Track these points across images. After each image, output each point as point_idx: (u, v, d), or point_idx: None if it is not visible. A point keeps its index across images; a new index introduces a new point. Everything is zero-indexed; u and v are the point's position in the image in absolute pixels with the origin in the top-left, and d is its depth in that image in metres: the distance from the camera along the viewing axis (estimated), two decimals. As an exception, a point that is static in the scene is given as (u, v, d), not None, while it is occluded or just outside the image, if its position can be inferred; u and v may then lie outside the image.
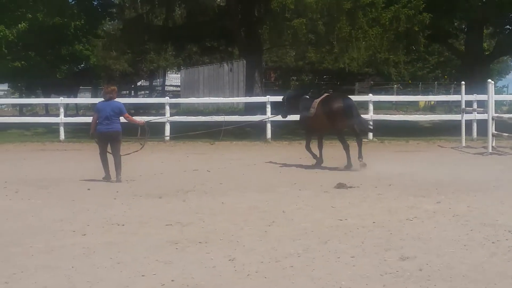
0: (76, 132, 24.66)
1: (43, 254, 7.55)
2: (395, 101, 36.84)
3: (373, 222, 9.24)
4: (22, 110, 39.62)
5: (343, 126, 15.54)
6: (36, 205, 10.87)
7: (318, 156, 16.04)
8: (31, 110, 41.95)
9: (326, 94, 16.03)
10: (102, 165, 13.72)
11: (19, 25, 26.76)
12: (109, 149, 13.75)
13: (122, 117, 13.82)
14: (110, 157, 13.69)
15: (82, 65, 39.73)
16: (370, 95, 26.19)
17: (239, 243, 8.05)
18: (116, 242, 8.09)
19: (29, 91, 38.71)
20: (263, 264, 7.10)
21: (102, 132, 13.60)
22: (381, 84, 52.16)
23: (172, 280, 6.52)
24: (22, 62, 29.18)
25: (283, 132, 24.17)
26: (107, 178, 13.65)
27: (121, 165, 13.61)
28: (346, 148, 15.38)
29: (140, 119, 15.36)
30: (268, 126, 23.05)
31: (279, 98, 24.50)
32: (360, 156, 15.36)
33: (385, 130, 23.46)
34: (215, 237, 8.33)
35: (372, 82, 53.36)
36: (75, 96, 37.08)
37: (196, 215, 9.83)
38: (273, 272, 6.81)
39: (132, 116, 14.81)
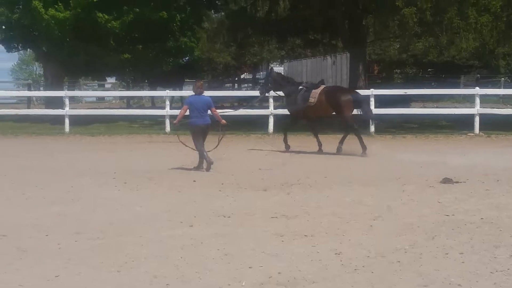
0: (182, 125, 25.07)
1: (152, 243, 7.74)
2: (503, 94, 35.74)
3: (481, 218, 9.01)
4: (129, 102, 40.76)
5: (350, 115, 17.18)
6: (144, 195, 11.15)
7: (288, 145, 17.71)
8: (138, 102, 43.11)
9: (323, 86, 17.52)
10: (201, 155, 14.10)
11: (124, 17, 27.47)
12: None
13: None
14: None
15: (187, 58, 40.37)
16: (477, 88, 25.47)
17: (345, 237, 8.01)
18: (222, 233, 8.19)
19: (136, 84, 39.75)
20: (370, 259, 7.04)
21: (199, 124, 14.11)
22: (488, 77, 50.63)
23: (279, 273, 6.56)
24: (129, 55, 29.91)
25: (386, 125, 23.84)
26: (208, 166, 14.00)
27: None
28: (358, 133, 16.94)
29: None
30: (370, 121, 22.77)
31: (383, 92, 24.18)
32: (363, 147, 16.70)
33: (492, 124, 22.79)
34: (320, 230, 8.32)
35: (478, 75, 51.88)
36: (180, 89, 37.81)
37: (301, 208, 9.84)
38: (380, 267, 6.74)
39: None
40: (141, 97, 42.45)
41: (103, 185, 12.22)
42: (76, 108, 31.35)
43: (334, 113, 17.25)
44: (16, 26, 27.88)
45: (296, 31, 33.09)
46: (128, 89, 43.13)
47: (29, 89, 42.73)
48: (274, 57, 57.41)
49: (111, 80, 49.37)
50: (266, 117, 23.54)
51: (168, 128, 24.15)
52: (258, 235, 8.11)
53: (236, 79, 60.43)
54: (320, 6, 27.32)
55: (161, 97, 34.45)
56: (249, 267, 6.76)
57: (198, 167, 14.14)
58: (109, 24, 27.12)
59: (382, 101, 24.71)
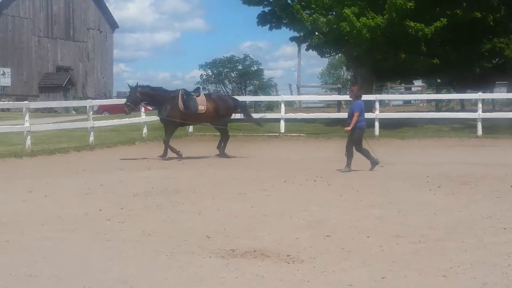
0: (494, 128, 24.27)
1: (476, 249, 7.52)
2: None
3: None
4: (437, 105, 40.20)
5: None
6: (461, 200, 10.90)
7: (177, 150, 17.98)
8: (446, 105, 42.37)
9: (204, 93, 19.32)
10: (365, 156, 15.05)
11: (437, 22, 27.13)
12: None
13: None
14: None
15: (497, 59, 38.74)
16: None
17: None
18: None
19: (444, 87, 39.02)
20: None
21: (364, 128, 15.28)
22: None
23: None
24: (439, 59, 29.51)
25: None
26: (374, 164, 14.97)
27: None
28: (227, 139, 18.63)
29: None
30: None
31: None
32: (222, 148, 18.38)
33: None
34: None
35: None
36: (491, 91, 36.41)
37: None
38: None
39: None
40: (449, 100, 41.73)
41: (417, 189, 12.18)
42: (384, 112, 31.72)
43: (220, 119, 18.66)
44: (330, 32, 28.86)
45: None
46: (437, 92, 42.53)
47: (339, 93, 44.12)
48: None
49: (418, 83, 49.15)
50: None
51: (480, 132, 23.43)
52: None
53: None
54: None
55: (470, 100, 33.60)
56: None
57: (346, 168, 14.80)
58: (420, 33, 27.00)
59: None
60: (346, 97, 33.49)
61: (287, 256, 7.34)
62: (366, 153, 15.08)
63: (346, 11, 26.86)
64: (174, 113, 18.35)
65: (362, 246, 7.81)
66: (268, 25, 32.57)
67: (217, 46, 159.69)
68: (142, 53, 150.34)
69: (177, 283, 6.38)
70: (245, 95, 67.65)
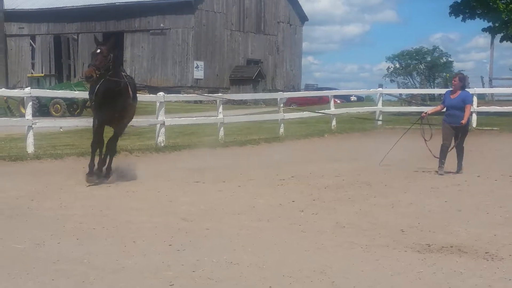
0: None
1: None
2: None
3: None
4: None
5: None
6: None
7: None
8: None
9: None
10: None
11: None
12: None
13: None
14: None
15: None
16: None
17: None
18: None
19: None
20: None
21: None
22: None
23: None
24: None
25: None
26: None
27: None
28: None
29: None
30: None
31: None
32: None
33: None
34: None
35: None
36: None
37: None
38: None
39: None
40: None
41: None
42: None
43: None
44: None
45: None
46: None
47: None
48: None
49: None
50: None
51: None
52: None
53: None
54: None
55: None
56: None
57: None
58: None
59: None
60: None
61: (486, 253, 7.15)
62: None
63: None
64: None
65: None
66: (461, 16, 31.68)
67: (407, 38, 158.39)
68: (331, 45, 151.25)
69: (374, 276, 6.41)
70: (433, 88, 66.20)
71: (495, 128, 24.43)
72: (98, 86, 11.94)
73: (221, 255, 7.13)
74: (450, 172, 13.38)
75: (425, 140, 13.65)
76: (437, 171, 13.36)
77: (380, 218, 9.09)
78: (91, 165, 12.27)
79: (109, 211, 9.64)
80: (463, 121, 13.44)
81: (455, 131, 13.57)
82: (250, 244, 7.68)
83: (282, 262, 6.91)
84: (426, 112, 14.24)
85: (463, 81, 13.84)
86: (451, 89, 14.30)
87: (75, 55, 64.57)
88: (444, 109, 13.88)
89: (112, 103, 12.07)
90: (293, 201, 10.41)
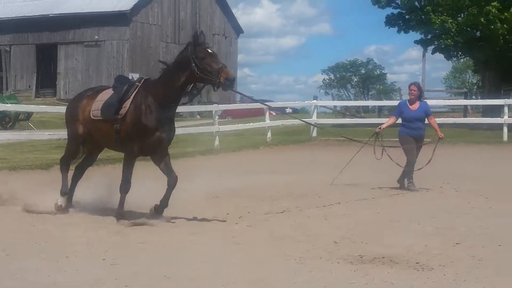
0: None
1: None
2: None
3: None
4: None
5: None
6: None
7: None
8: None
9: None
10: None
11: None
12: None
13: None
14: None
15: None
16: None
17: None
18: None
19: None
20: None
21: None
22: None
23: None
24: None
25: None
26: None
27: None
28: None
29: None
30: None
31: None
32: None
33: None
34: None
35: None
36: None
37: None
38: None
39: None
40: None
41: None
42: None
43: None
44: (459, 34, 28.23)
45: None
46: None
47: (465, 98, 43.02)
48: None
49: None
50: None
51: None
52: None
53: None
54: None
55: None
56: None
57: None
58: None
59: None
60: (475, 102, 32.51)
61: (416, 263, 7.27)
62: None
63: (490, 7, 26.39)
64: None
65: (494, 255, 7.63)
66: (396, 28, 32.58)
67: (342, 51, 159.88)
68: (268, 57, 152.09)
69: (307, 288, 6.48)
70: (367, 100, 67.19)
71: (427, 140, 24.86)
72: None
73: (157, 269, 7.08)
74: (384, 187, 13.52)
75: (385, 156, 13.00)
76: (399, 186, 13.25)
77: (314, 229, 9.17)
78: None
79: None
80: (440, 135, 13.55)
81: (417, 143, 13.35)
82: (185, 257, 7.65)
83: (217, 274, 6.92)
84: (380, 127, 13.47)
85: (420, 90, 13.57)
86: (404, 99, 14.22)
87: (7, 67, 63.20)
88: (400, 121, 13.44)
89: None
90: (227, 214, 10.41)
